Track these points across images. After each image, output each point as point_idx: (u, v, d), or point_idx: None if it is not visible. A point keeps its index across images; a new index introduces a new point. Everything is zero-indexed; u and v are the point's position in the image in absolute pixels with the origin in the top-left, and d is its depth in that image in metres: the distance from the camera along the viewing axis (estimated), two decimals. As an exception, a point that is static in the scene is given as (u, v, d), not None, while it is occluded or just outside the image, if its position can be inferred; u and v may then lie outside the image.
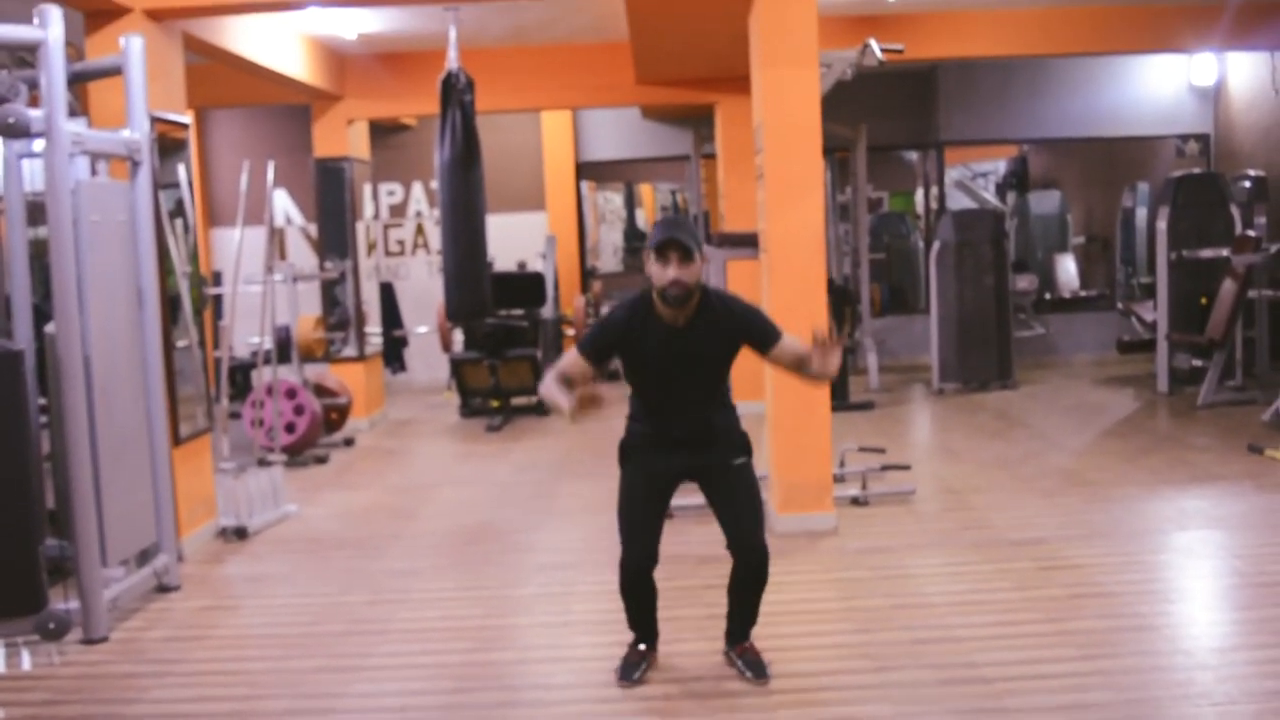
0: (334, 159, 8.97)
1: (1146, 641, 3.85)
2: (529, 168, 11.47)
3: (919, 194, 12.55)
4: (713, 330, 3.52)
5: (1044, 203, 13.07)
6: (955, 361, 9.62)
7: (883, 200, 13.35)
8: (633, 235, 14.37)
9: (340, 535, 5.84)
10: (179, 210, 5.71)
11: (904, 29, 7.93)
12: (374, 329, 9.55)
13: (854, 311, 10.19)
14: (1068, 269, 12.50)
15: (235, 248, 6.98)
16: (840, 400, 8.24)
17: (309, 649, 4.17)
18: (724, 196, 8.94)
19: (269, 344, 7.66)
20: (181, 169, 5.76)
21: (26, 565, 4.07)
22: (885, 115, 11.06)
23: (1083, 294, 12.28)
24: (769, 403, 5.49)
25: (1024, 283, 11.23)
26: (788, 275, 5.35)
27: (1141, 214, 11.75)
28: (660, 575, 3.65)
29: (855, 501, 5.85)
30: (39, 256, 4.83)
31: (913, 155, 12.81)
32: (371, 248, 10.86)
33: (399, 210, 11.80)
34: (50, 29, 4.25)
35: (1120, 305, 11.04)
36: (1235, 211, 9.06)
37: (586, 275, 11.95)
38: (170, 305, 5.41)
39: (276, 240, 11.31)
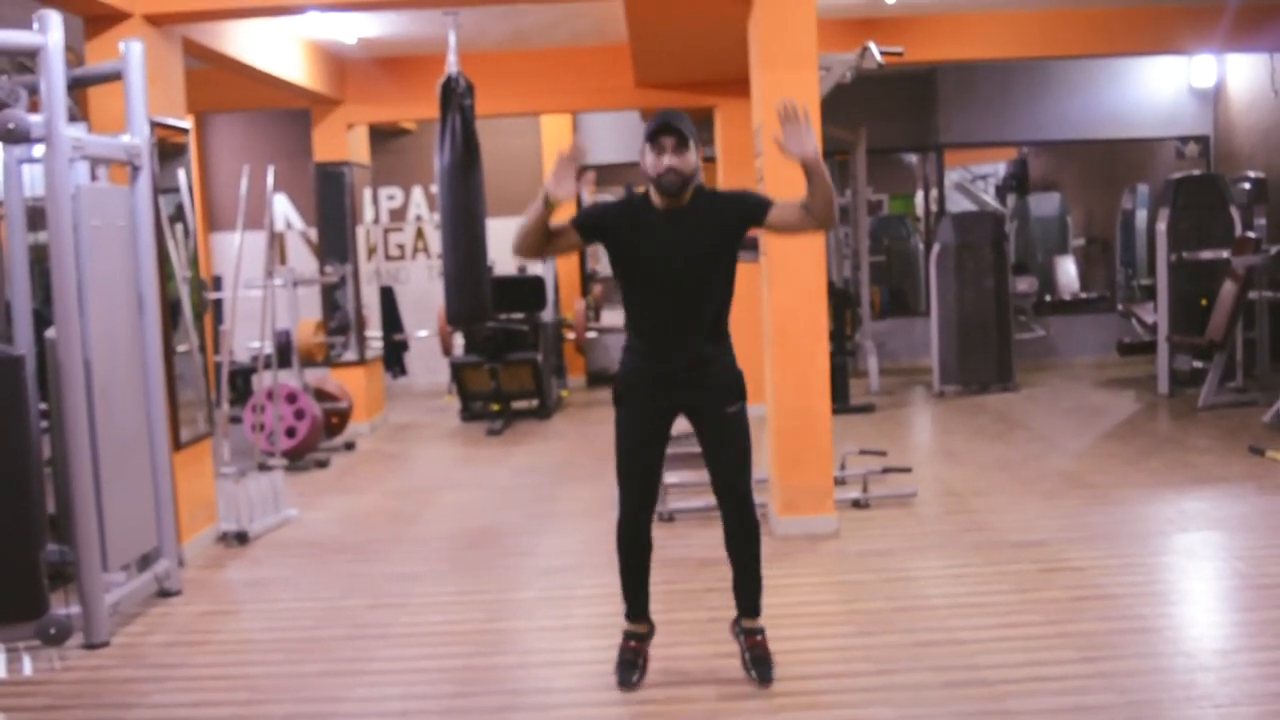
0: (334, 163, 8.97)
1: (1148, 644, 3.85)
2: (529, 171, 11.46)
3: (919, 196, 12.55)
4: (706, 216, 3.49)
5: (1044, 205, 13.07)
6: (956, 364, 9.62)
7: (882, 203, 13.34)
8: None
9: (341, 539, 5.84)
10: (179, 215, 5.71)
11: (903, 31, 7.93)
12: (374, 333, 9.56)
13: (854, 314, 10.19)
14: (1068, 271, 12.49)
15: (235, 252, 6.98)
16: (841, 403, 8.25)
17: (310, 653, 4.17)
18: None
19: (269, 348, 7.67)
20: (181, 174, 5.77)
21: (27, 570, 4.07)
22: (885, 118, 11.07)
23: (1083, 296, 12.28)
24: (770, 406, 5.49)
25: (1024, 285, 11.22)
26: (788, 278, 5.35)
27: (1141, 216, 11.75)
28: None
29: (856, 504, 5.85)
30: (39, 261, 4.83)
31: (912, 158, 12.81)
32: (372, 252, 10.85)
33: (399, 214, 11.80)
34: (50, 34, 4.26)
35: (1120, 307, 11.04)
36: (1235, 213, 9.07)
37: (587, 279, 11.94)
38: (170, 310, 5.41)
39: (277, 245, 11.31)
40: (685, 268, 3.47)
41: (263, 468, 6.60)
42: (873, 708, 3.43)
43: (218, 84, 8.04)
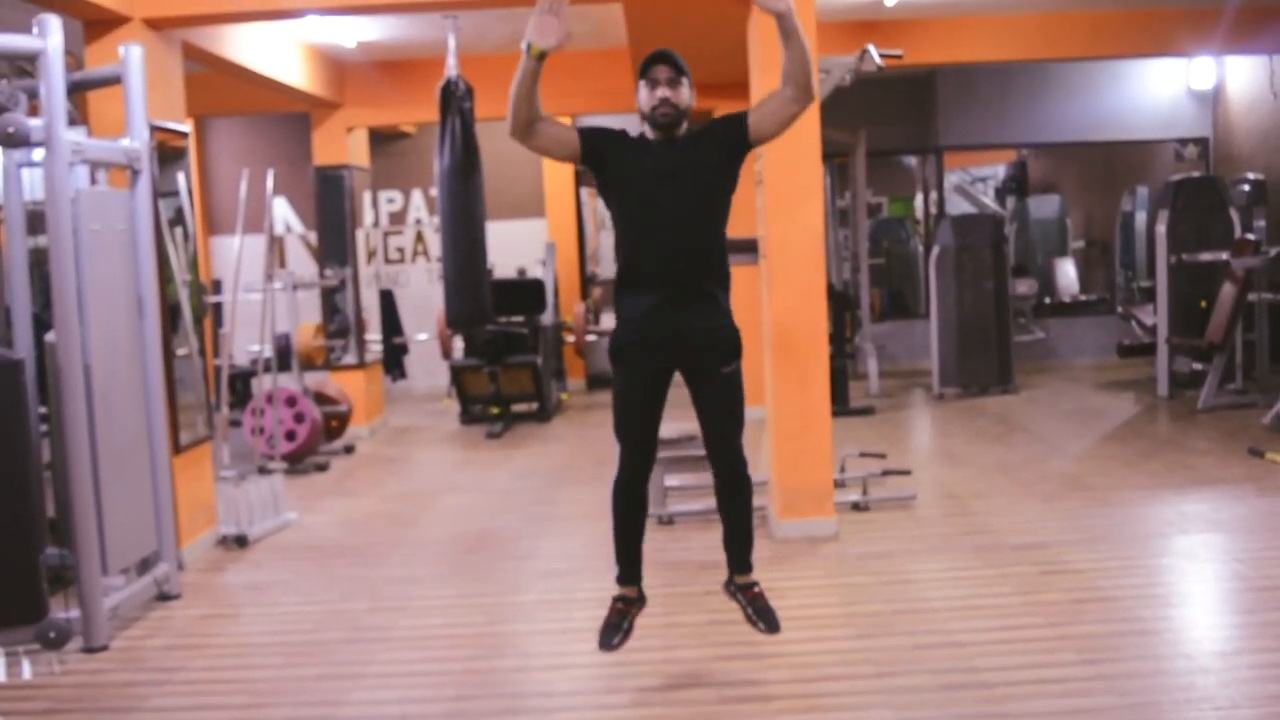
0: (333, 167, 8.98)
1: (1148, 646, 3.85)
2: (529, 174, 11.47)
3: (918, 199, 12.56)
4: (698, 141, 3.47)
5: (1043, 207, 13.08)
6: (955, 366, 9.62)
7: (882, 205, 13.35)
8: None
9: (341, 543, 5.83)
10: (179, 218, 5.71)
11: (903, 34, 7.94)
12: (374, 336, 9.56)
13: (854, 317, 10.19)
14: (1067, 273, 12.50)
15: (235, 256, 6.98)
16: (841, 405, 8.25)
17: (309, 657, 4.16)
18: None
19: (269, 352, 7.67)
20: (181, 177, 5.77)
21: (27, 573, 4.06)
22: (884, 120, 11.08)
23: (1082, 298, 12.28)
24: (770, 408, 5.49)
25: (1024, 287, 11.23)
26: (787, 281, 5.35)
27: (1141, 218, 11.76)
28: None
29: (856, 507, 5.84)
30: (39, 265, 4.83)
31: (912, 160, 12.82)
32: (371, 255, 10.86)
33: (399, 218, 11.81)
34: (49, 38, 4.26)
35: (1120, 309, 11.05)
36: (1234, 215, 9.07)
37: (586, 282, 11.95)
38: (170, 313, 5.41)
39: (276, 248, 11.33)
40: (680, 200, 3.43)
41: (262, 471, 6.60)
42: (872, 710, 3.43)
43: (217, 88, 8.04)
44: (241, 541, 5.75)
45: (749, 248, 5.87)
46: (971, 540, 5.24)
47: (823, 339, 5.48)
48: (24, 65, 4.86)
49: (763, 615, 3.63)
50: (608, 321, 10.96)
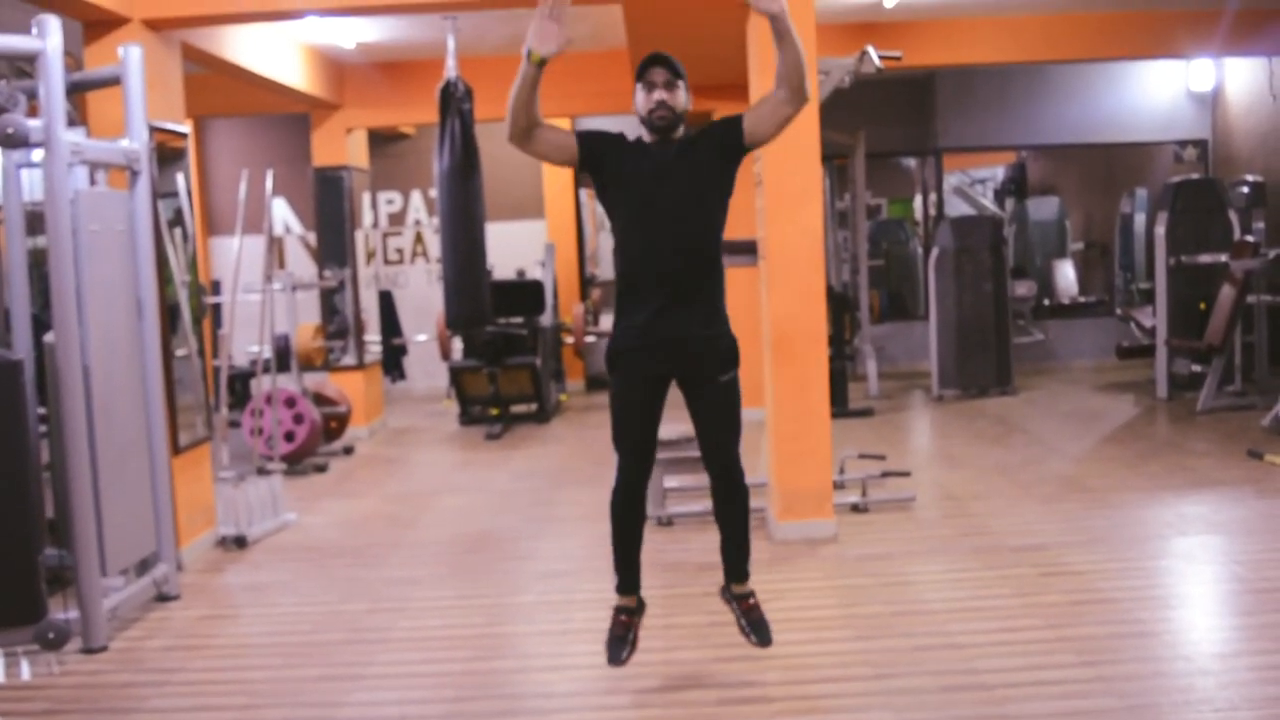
0: (333, 168, 8.98)
1: (1147, 648, 3.85)
2: (528, 176, 11.47)
3: (917, 200, 12.56)
4: (695, 144, 3.47)
5: (1042, 209, 13.08)
6: (954, 368, 9.62)
7: (881, 207, 13.35)
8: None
9: (340, 543, 5.83)
10: (178, 219, 5.71)
11: (902, 36, 7.95)
12: (373, 337, 9.56)
13: (853, 318, 10.19)
14: (1066, 275, 12.50)
15: (234, 256, 6.98)
16: (840, 407, 8.25)
17: (309, 658, 4.16)
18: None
19: (268, 352, 7.67)
20: (180, 178, 5.77)
21: (26, 574, 4.06)
22: (883, 122, 11.08)
23: (1082, 300, 12.29)
24: (769, 409, 5.49)
25: (1023, 289, 11.23)
26: (787, 282, 5.35)
27: (1140, 220, 11.76)
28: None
29: (855, 508, 5.84)
30: (38, 266, 4.83)
31: (911, 162, 12.82)
32: (370, 256, 10.86)
33: (398, 219, 11.81)
34: (49, 39, 4.26)
35: (1119, 311, 11.05)
36: (1233, 217, 9.08)
37: (585, 283, 11.95)
38: (169, 314, 5.41)
39: (275, 249, 11.32)
40: (677, 202, 3.43)
41: (261, 472, 6.60)
42: (871, 712, 3.43)
43: (216, 89, 8.04)
44: (240, 542, 5.75)
45: (748, 249, 5.87)
46: (971, 542, 5.24)
47: (822, 340, 5.48)
48: (23, 66, 4.86)
49: (756, 628, 3.63)
50: (607, 323, 10.96)
